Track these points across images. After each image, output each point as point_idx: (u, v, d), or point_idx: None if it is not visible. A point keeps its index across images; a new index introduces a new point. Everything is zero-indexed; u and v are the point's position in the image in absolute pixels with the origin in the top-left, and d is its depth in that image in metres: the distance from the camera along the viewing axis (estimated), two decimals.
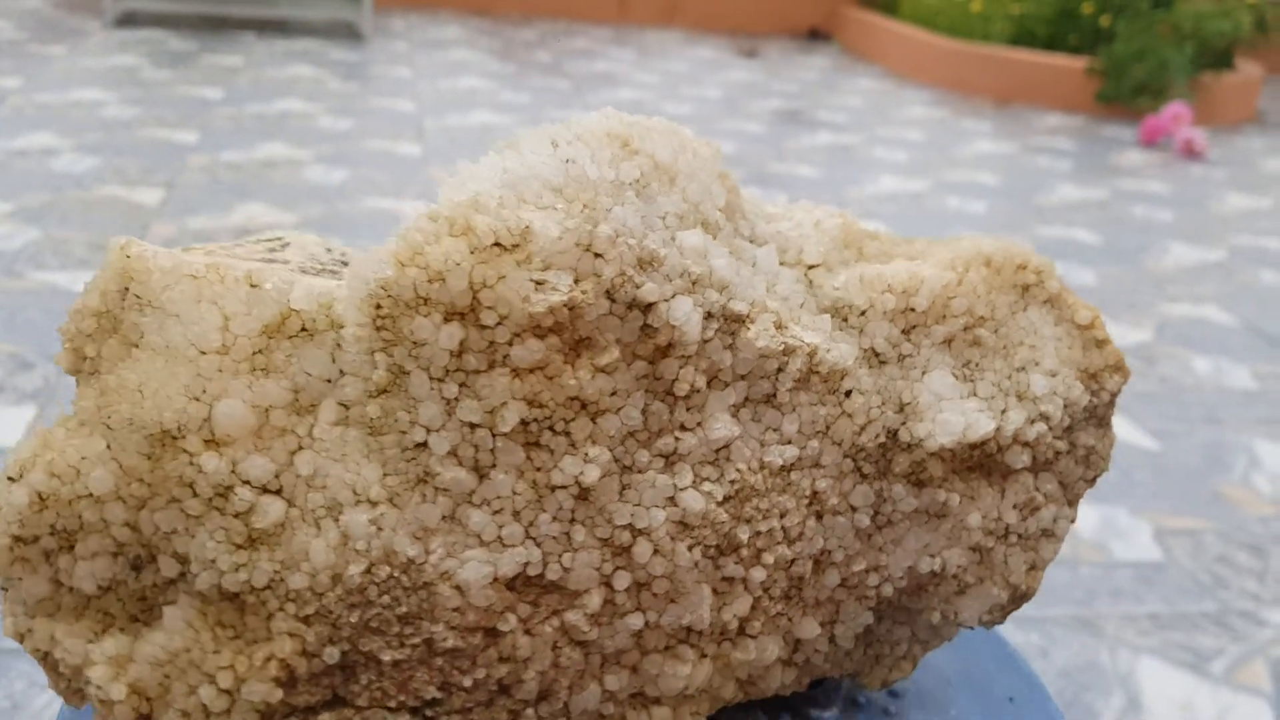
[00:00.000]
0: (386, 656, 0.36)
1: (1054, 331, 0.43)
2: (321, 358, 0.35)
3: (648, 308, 0.36)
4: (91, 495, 0.34)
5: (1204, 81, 4.17)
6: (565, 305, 0.34)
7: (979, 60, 4.39)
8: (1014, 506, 0.43)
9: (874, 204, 2.84)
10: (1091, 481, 0.45)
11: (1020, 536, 0.43)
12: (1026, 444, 0.42)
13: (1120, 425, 1.75)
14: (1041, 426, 0.42)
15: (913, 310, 0.41)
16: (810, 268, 0.42)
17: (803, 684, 0.44)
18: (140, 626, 0.36)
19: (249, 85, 3.43)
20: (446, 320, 0.34)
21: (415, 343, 0.34)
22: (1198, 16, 4.19)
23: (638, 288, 0.35)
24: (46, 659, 0.37)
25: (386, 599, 0.35)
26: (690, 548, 0.38)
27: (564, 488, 0.36)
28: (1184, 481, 1.61)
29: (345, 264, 0.41)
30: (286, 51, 3.99)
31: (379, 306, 0.34)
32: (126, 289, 0.35)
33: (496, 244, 0.34)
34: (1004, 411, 0.41)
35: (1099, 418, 0.44)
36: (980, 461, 0.42)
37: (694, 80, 4.29)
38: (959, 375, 0.42)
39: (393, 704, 0.37)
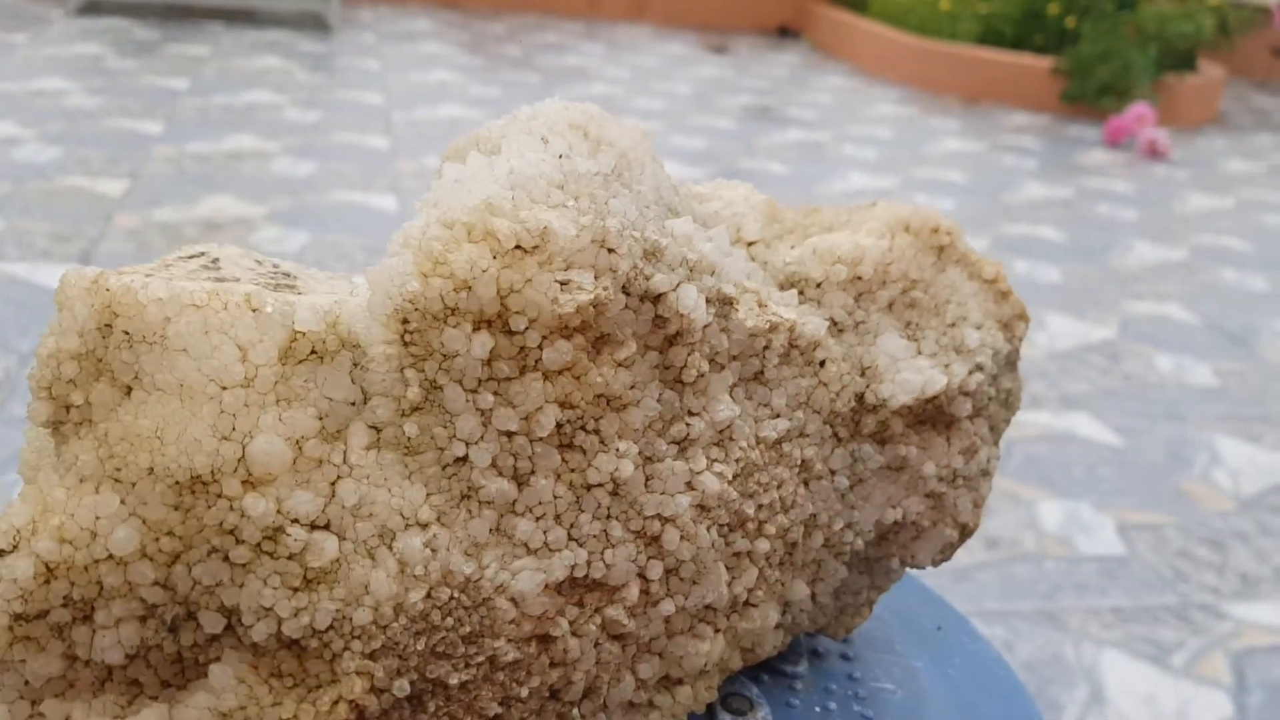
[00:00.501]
0: (453, 680, 0.35)
1: (970, 287, 0.45)
2: (341, 380, 0.34)
3: (658, 298, 0.36)
4: (113, 557, 0.32)
5: (1167, 83, 4.21)
6: (591, 304, 0.34)
7: (947, 59, 4.42)
8: (960, 452, 0.45)
9: (843, 200, 2.85)
10: (1008, 421, 0.48)
11: (965, 479, 0.46)
12: (968, 394, 0.44)
13: (1084, 422, 1.77)
14: (980, 376, 0.44)
15: (859, 279, 0.43)
16: (750, 244, 0.44)
17: (786, 644, 0.46)
18: (175, 691, 0.34)
19: (215, 76, 3.40)
20: (476, 329, 0.33)
21: (446, 355, 0.33)
22: (1161, 18, 4.24)
23: (648, 279, 0.35)
24: None
25: (450, 621, 0.34)
26: (709, 528, 0.38)
27: (600, 485, 0.36)
28: (1147, 477, 1.63)
29: (287, 275, 0.39)
30: (254, 42, 3.96)
31: (406, 321, 0.33)
32: (109, 325, 0.32)
33: (518, 247, 0.33)
34: (948, 366, 0.44)
35: (1012, 363, 0.47)
36: (931, 415, 0.44)
37: (664, 75, 4.29)
38: (906, 336, 0.44)
39: None
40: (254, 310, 0.33)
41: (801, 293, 0.43)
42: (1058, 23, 4.37)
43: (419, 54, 4.15)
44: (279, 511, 0.32)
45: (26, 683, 0.33)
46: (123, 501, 0.32)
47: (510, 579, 0.35)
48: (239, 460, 0.32)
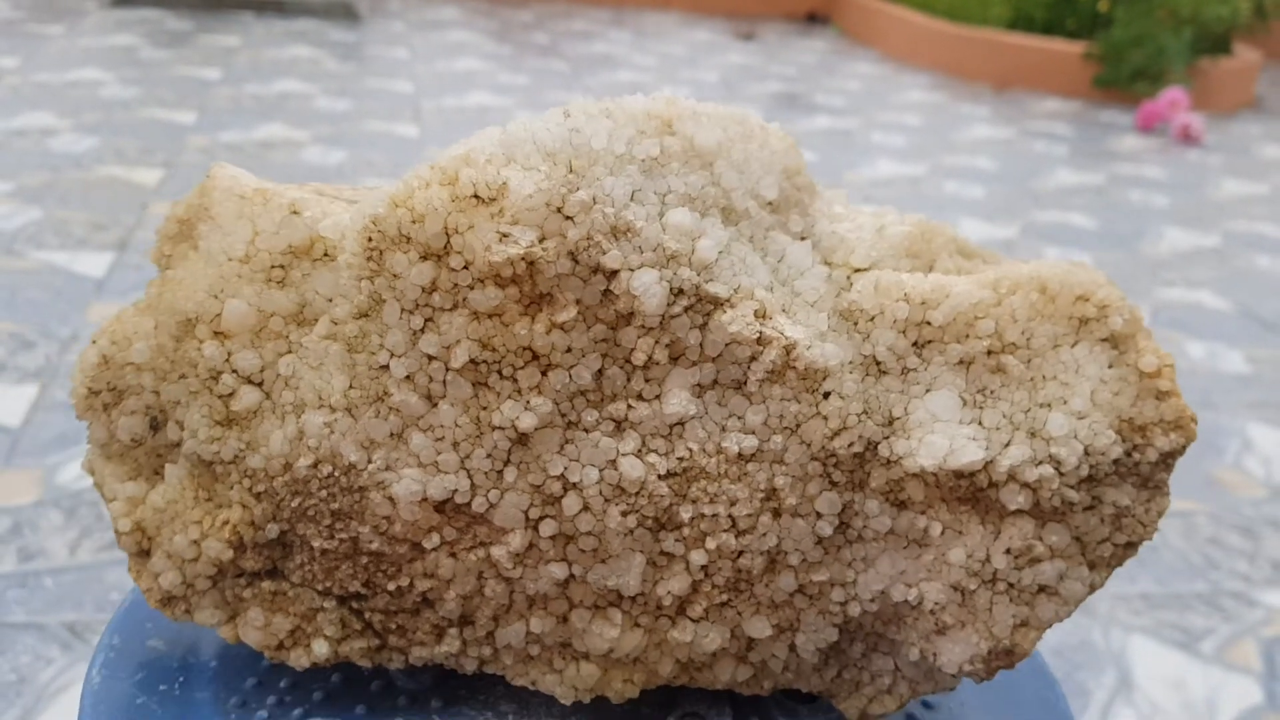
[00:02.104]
0: (316, 543, 0.41)
1: (1103, 373, 0.39)
2: (330, 280, 0.39)
3: (612, 274, 0.37)
4: (134, 364, 0.41)
5: (1202, 67, 4.17)
6: (522, 259, 0.37)
7: (977, 44, 4.39)
8: (1007, 551, 0.40)
9: (871, 188, 2.85)
10: (1126, 548, 0.41)
11: (1011, 586, 0.40)
12: (1025, 485, 0.39)
13: None
14: (1048, 470, 0.38)
15: (928, 324, 0.39)
16: (856, 270, 0.41)
17: (764, 687, 0.43)
18: (155, 478, 0.42)
19: (247, 66, 3.43)
20: (422, 259, 0.37)
21: (393, 275, 0.38)
22: (1196, 2, 4.20)
23: (603, 253, 0.37)
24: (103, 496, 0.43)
25: (324, 494, 0.40)
26: (624, 514, 0.39)
27: (501, 429, 0.38)
28: (1178, 464, 1.62)
29: None
30: (284, 32, 3.98)
31: (370, 240, 0.38)
32: (202, 203, 0.41)
33: (475, 196, 0.37)
34: (1007, 445, 0.39)
35: (1141, 476, 0.40)
36: (972, 494, 0.39)
37: (691, 63, 4.28)
38: (967, 399, 0.39)
39: (320, 587, 0.42)
40: (293, 212, 0.40)
41: (854, 324, 0.40)
42: (1090, 7, 4.33)
43: (447, 42, 4.17)
44: (226, 360, 0.40)
45: (92, 443, 0.42)
46: (154, 326, 0.40)
47: (392, 480, 0.39)
48: (216, 314, 0.40)
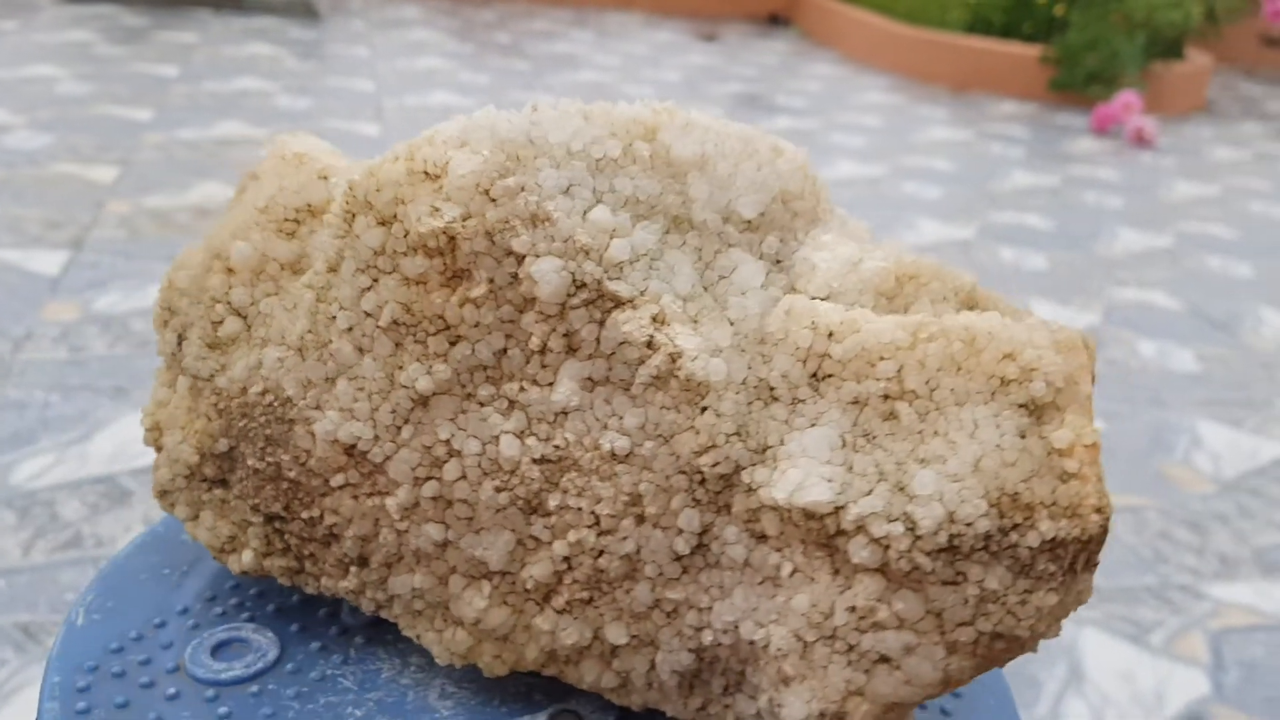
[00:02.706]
0: (251, 462, 0.44)
1: (1005, 439, 0.35)
2: (326, 235, 0.43)
3: (521, 258, 0.39)
4: (179, 288, 0.46)
5: (1155, 71, 4.23)
6: (444, 232, 0.39)
7: (936, 47, 4.43)
8: (849, 609, 0.37)
9: (832, 189, 2.85)
10: (995, 639, 0.36)
11: (850, 647, 0.37)
12: (874, 539, 0.36)
13: None
14: (899, 527, 0.35)
15: (829, 356, 0.37)
16: (816, 299, 0.40)
17: (633, 702, 0.43)
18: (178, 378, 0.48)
19: (205, 63, 3.40)
20: (378, 224, 0.41)
21: (355, 236, 0.41)
22: (1149, 7, 4.26)
23: (516, 237, 0.39)
24: None
25: (263, 420, 0.44)
26: (498, 490, 0.41)
27: (405, 388, 0.41)
28: (1128, 461, 1.65)
29: None
30: (243, 29, 3.95)
31: (347, 203, 0.42)
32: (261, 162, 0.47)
33: (425, 172, 0.40)
34: (867, 494, 0.36)
35: (1018, 561, 0.35)
36: (825, 540, 0.37)
37: (654, 63, 4.29)
38: (848, 441, 0.37)
39: (251, 503, 0.45)
40: (320, 177, 0.45)
41: (761, 347, 0.39)
42: (1046, 11, 4.38)
43: (408, 41, 4.15)
44: (226, 292, 0.45)
45: (159, 352, 0.48)
46: (200, 258, 0.46)
47: (316, 418, 0.42)
48: (229, 254, 0.45)
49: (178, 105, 2.91)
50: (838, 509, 0.36)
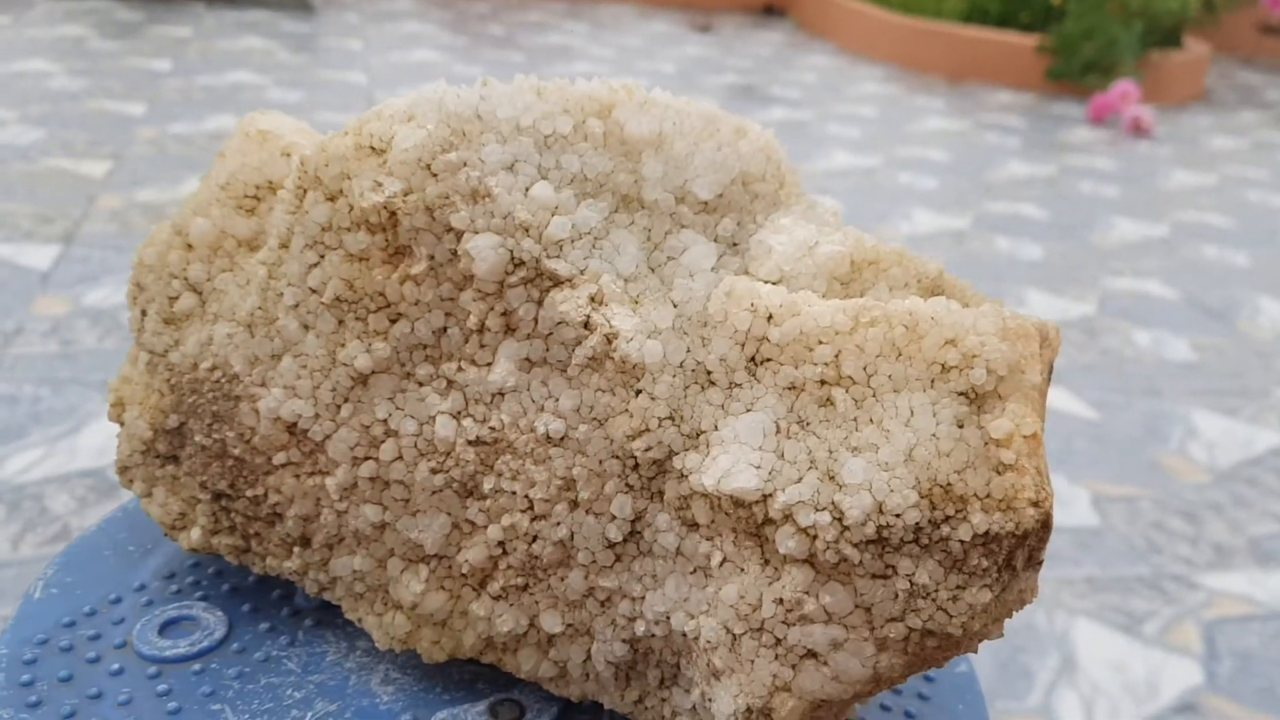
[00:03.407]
0: (198, 439, 0.44)
1: (941, 428, 0.34)
2: (280, 213, 0.43)
3: (460, 235, 0.38)
4: (146, 264, 0.46)
5: (1152, 60, 4.22)
6: (384, 207, 0.39)
7: (931, 37, 4.42)
8: (777, 600, 0.35)
9: (827, 180, 2.86)
10: (926, 636, 0.35)
11: (777, 641, 0.36)
12: (801, 529, 0.34)
13: (1061, 396, 1.79)
14: (825, 517, 0.34)
15: (768, 340, 0.36)
16: (769, 282, 0.39)
17: (572, 693, 0.42)
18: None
19: (198, 57, 3.39)
20: (326, 200, 0.40)
21: (305, 211, 0.41)
22: None
23: (455, 212, 0.38)
24: None
25: (210, 396, 0.44)
26: (433, 471, 0.40)
27: (345, 365, 0.41)
28: (1122, 450, 1.65)
29: None
30: (236, 23, 3.94)
31: (299, 178, 0.41)
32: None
33: (371, 147, 0.40)
34: (796, 482, 0.35)
35: (950, 555, 0.34)
36: (755, 529, 0.36)
37: (648, 55, 4.28)
38: (782, 427, 0.35)
39: (199, 480, 0.45)
40: (283, 154, 0.45)
41: (703, 330, 0.38)
42: (1043, 0, 4.37)
43: (401, 33, 4.14)
44: (184, 268, 0.45)
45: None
46: (171, 231, 0.46)
47: (261, 395, 0.42)
48: (188, 230, 0.45)
49: (170, 99, 2.90)
50: (765, 497, 0.35)
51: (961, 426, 0.34)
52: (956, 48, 4.36)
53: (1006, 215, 2.72)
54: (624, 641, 0.40)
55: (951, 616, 0.34)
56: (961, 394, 0.34)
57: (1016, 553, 0.34)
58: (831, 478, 0.34)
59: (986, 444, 0.34)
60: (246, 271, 0.43)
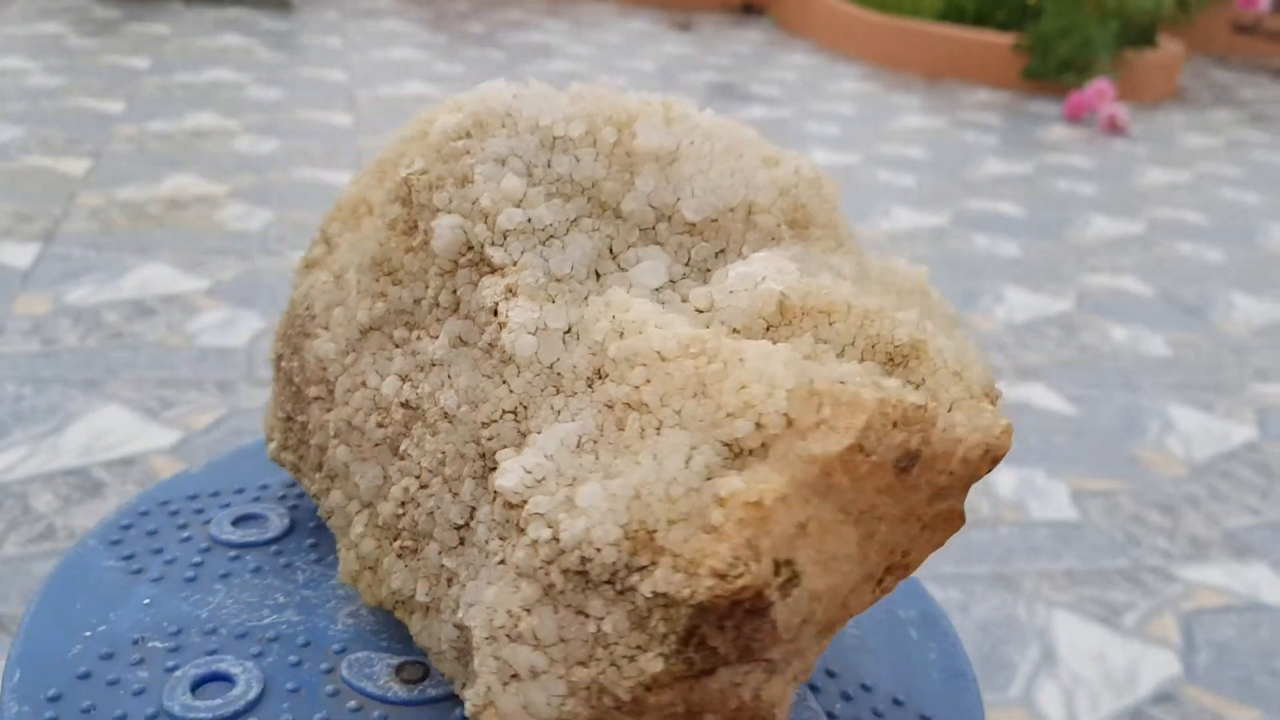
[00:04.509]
0: (283, 365, 0.49)
1: (683, 475, 0.32)
2: None
3: (436, 213, 0.41)
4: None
5: (1127, 59, 4.25)
6: (404, 181, 0.42)
7: (908, 35, 4.44)
8: (508, 612, 0.34)
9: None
10: (601, 695, 0.32)
11: (494, 656, 0.35)
12: (531, 543, 0.33)
13: (1040, 392, 1.81)
14: (546, 534, 0.33)
15: (607, 355, 0.35)
16: (697, 310, 0.37)
17: (444, 670, 0.41)
18: None
19: (177, 54, 3.38)
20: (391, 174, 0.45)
21: (383, 183, 0.45)
22: None
23: (434, 192, 0.41)
24: None
25: (297, 330, 0.48)
26: (378, 425, 0.43)
27: (358, 319, 0.45)
28: (1100, 445, 1.66)
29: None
30: (215, 20, 3.92)
31: (386, 153, 0.46)
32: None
33: (424, 130, 0.44)
34: (548, 495, 0.33)
35: (635, 610, 0.31)
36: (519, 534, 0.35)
37: (628, 53, 4.29)
38: (581, 442, 0.34)
39: (279, 400, 0.50)
40: (422, 134, 0.45)
41: (579, 335, 0.37)
42: None
43: (381, 31, 4.13)
44: (328, 224, 0.49)
45: None
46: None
47: (318, 335, 0.46)
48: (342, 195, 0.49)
49: (150, 97, 2.89)
50: (523, 502, 0.34)
51: (709, 478, 0.32)
52: (933, 46, 4.38)
53: (985, 213, 2.74)
54: (455, 626, 0.39)
55: (622, 678, 0.32)
56: (725, 444, 0.32)
57: (703, 629, 0.31)
58: (569, 498, 0.33)
59: (714, 501, 0.31)
60: (363, 231, 0.47)
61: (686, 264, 0.40)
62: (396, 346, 0.43)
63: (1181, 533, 1.46)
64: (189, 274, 1.87)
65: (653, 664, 0.31)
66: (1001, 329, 2.04)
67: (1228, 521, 1.49)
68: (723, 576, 0.30)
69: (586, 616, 0.32)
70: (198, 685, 0.42)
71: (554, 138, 0.40)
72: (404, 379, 0.42)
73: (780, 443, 0.31)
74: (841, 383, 0.32)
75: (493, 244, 0.39)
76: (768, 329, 0.36)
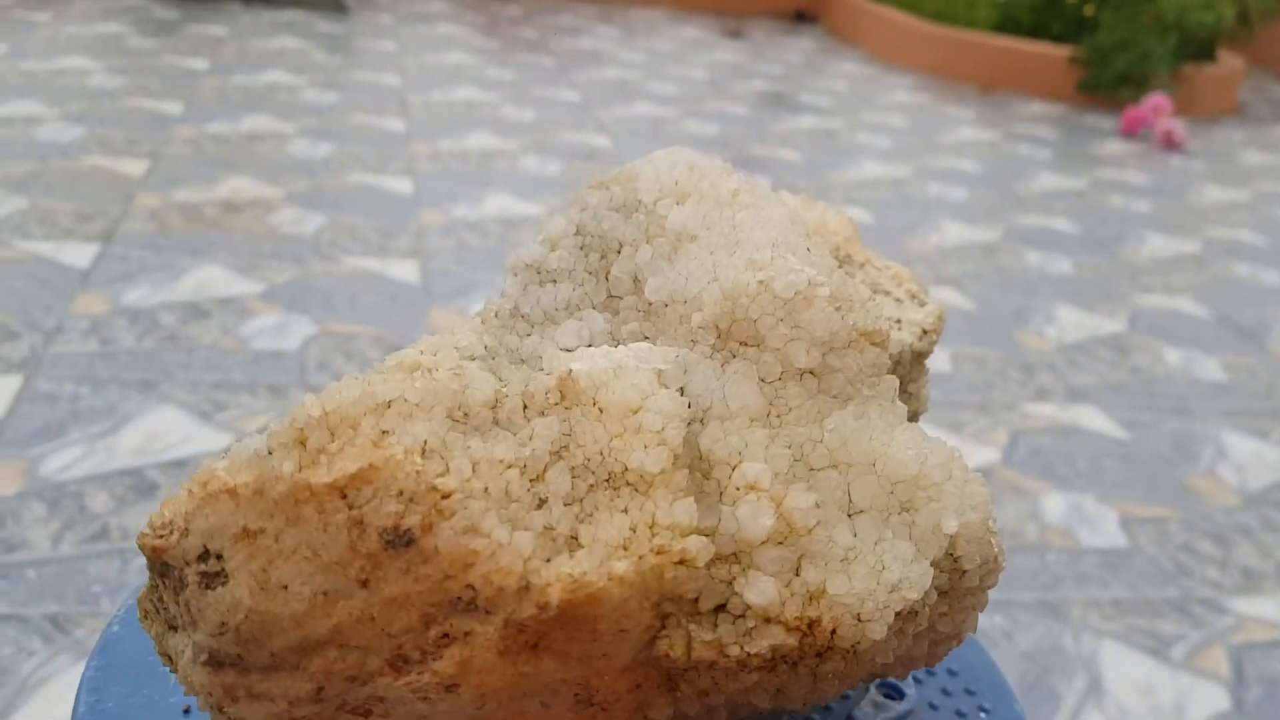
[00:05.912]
0: None
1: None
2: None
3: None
4: None
5: (1186, 73, 4.20)
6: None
7: (963, 46, 4.41)
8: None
9: (855, 189, 2.86)
10: None
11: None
12: None
13: (1090, 414, 1.79)
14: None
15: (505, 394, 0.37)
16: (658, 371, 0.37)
17: None
18: None
19: (234, 56, 3.42)
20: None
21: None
22: (1181, 8, 4.22)
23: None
24: None
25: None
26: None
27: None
28: (1151, 471, 1.64)
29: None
30: (271, 23, 3.97)
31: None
32: None
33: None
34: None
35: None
36: None
37: (679, 60, 4.29)
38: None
39: None
40: None
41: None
42: (1076, 11, 4.35)
43: (435, 36, 4.16)
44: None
45: None
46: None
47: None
48: None
49: (207, 99, 2.93)
50: None
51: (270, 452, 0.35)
52: (988, 57, 4.35)
53: (1037, 228, 2.71)
54: None
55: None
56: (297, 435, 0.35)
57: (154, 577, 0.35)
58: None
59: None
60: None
61: (628, 323, 0.40)
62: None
63: (1233, 563, 1.44)
64: (243, 277, 1.89)
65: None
66: (1053, 349, 2.02)
67: None
68: (154, 530, 0.34)
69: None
70: None
71: (624, 202, 0.41)
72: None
73: (286, 449, 0.33)
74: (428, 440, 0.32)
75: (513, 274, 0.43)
76: (719, 346, 0.37)
